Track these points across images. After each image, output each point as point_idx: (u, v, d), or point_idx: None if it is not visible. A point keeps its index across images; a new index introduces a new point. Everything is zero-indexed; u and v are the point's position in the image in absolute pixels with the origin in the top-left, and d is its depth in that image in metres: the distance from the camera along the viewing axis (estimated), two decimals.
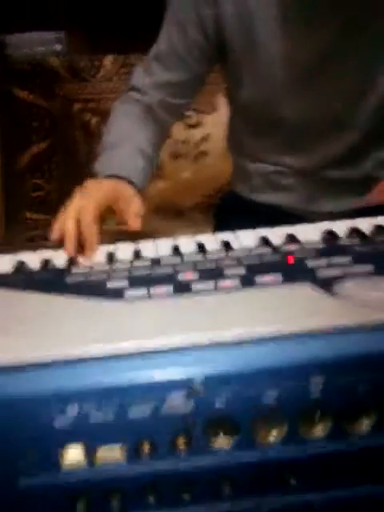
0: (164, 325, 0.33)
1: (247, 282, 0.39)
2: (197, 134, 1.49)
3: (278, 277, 0.39)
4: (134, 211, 0.63)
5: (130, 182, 0.69)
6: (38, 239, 1.34)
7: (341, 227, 0.58)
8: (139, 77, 0.81)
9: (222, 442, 0.31)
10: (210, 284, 0.40)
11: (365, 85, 0.70)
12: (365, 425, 0.30)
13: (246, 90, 0.76)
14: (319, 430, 0.30)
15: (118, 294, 0.41)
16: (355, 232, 0.54)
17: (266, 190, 0.85)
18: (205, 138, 1.49)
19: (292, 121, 0.74)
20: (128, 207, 0.64)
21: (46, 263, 0.56)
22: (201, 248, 0.56)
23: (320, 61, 0.68)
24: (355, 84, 0.70)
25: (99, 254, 0.59)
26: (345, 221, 0.60)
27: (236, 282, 0.39)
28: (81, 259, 0.57)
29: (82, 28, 1.45)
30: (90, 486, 0.31)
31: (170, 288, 0.40)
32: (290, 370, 0.29)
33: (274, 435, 0.30)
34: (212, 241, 0.59)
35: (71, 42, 1.47)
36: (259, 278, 0.39)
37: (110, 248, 0.60)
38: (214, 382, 0.29)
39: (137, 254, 0.57)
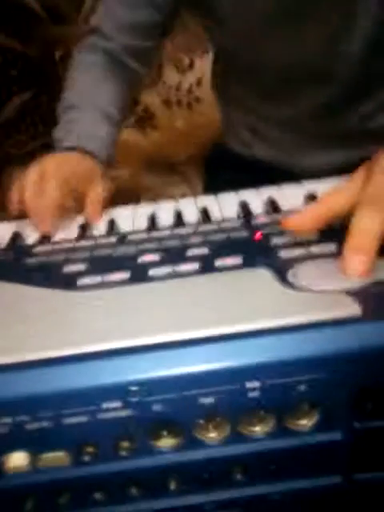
0: (103, 326, 0.31)
1: (207, 265, 0.38)
2: (190, 78, 1.40)
3: (237, 259, 0.38)
4: (95, 197, 0.58)
5: (93, 156, 0.64)
6: None
7: (326, 188, 0.56)
8: (101, 18, 0.72)
9: (167, 442, 0.30)
10: (168, 268, 0.38)
11: (345, 28, 0.64)
12: (306, 423, 0.30)
13: (224, 32, 0.70)
14: (261, 429, 0.30)
15: (71, 282, 0.38)
16: None
17: (253, 143, 0.82)
18: (198, 83, 1.40)
19: (271, 67, 0.69)
20: (89, 190, 0.59)
21: (14, 238, 0.54)
22: (177, 217, 0.55)
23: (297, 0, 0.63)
24: (334, 27, 0.64)
25: (72, 224, 0.56)
26: (332, 179, 0.58)
27: (195, 266, 0.37)
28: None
29: None
30: (36, 488, 0.30)
31: (126, 275, 0.38)
32: (226, 373, 0.28)
33: (216, 434, 0.30)
34: (191, 207, 0.58)
35: None
36: (219, 261, 0.38)
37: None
38: (152, 385, 0.28)
39: (110, 227, 0.55)
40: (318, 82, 0.69)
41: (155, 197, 1.15)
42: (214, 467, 0.30)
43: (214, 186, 0.92)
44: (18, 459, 0.29)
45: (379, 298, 0.30)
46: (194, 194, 0.82)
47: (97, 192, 0.59)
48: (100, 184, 0.60)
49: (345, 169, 0.74)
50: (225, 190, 0.61)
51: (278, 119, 0.76)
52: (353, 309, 0.29)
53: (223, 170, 0.89)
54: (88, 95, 0.69)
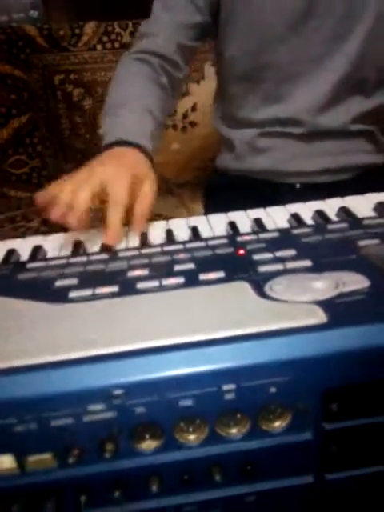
0: (89, 333, 0.33)
1: (191, 279, 0.40)
2: (185, 104, 1.44)
3: (220, 273, 0.40)
4: (142, 205, 0.59)
5: (142, 150, 0.66)
6: (22, 219, 1.30)
7: (310, 208, 0.61)
8: (148, 31, 0.82)
9: (149, 444, 0.32)
10: (155, 282, 0.40)
11: (345, 28, 0.76)
12: (279, 424, 0.32)
13: (238, 41, 0.80)
14: (237, 430, 0.32)
15: (62, 295, 0.40)
16: (319, 215, 0.57)
17: (248, 157, 0.87)
18: (193, 108, 1.44)
19: (279, 63, 0.78)
20: (139, 190, 0.59)
21: (8, 255, 0.55)
22: (168, 235, 0.57)
23: (308, 6, 0.74)
24: (337, 26, 0.76)
25: (68, 243, 0.58)
26: (313, 202, 0.63)
27: (181, 280, 0.40)
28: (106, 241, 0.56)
29: None
30: (23, 490, 0.31)
31: (115, 288, 0.40)
32: (204, 376, 0.30)
33: (195, 436, 0.32)
34: (182, 227, 0.60)
35: (48, 7, 1.39)
36: (203, 276, 0.40)
37: (81, 237, 0.59)
38: (134, 389, 0.30)
39: (104, 245, 0.57)
40: (319, 72, 0.77)
41: (153, 218, 1.17)
42: (193, 468, 0.31)
43: (213, 206, 0.96)
44: (6, 462, 0.31)
45: (343, 307, 0.32)
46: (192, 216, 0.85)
47: (144, 197, 0.60)
48: (150, 183, 0.62)
49: (326, 173, 0.83)
50: (224, 209, 0.63)
51: (280, 119, 0.81)
52: (320, 317, 0.31)
53: (221, 191, 0.93)
54: (137, 95, 0.74)
